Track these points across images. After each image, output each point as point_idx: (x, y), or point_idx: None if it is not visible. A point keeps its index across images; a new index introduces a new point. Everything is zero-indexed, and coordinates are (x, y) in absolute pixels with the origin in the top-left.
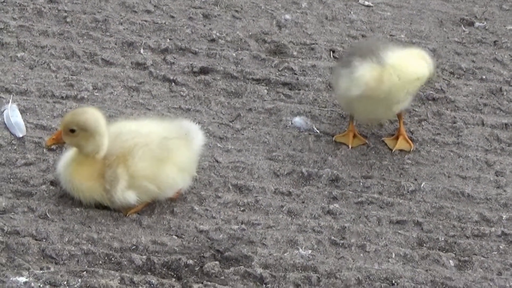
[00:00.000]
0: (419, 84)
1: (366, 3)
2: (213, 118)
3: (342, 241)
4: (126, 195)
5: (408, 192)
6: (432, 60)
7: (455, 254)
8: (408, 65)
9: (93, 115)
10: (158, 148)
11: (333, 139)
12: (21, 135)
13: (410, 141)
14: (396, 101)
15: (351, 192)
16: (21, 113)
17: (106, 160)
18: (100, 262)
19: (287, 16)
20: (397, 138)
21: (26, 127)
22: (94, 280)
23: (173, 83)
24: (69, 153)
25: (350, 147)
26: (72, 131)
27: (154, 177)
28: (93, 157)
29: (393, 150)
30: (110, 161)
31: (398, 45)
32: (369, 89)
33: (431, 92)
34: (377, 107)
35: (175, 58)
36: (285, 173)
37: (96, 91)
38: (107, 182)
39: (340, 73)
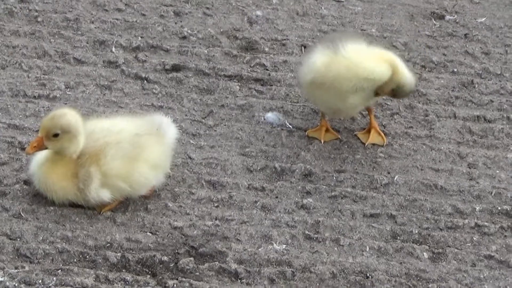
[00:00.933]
0: (373, 84)
1: None
2: (186, 115)
3: (316, 235)
4: (100, 193)
5: (381, 185)
6: (404, 71)
7: (429, 246)
8: (362, 61)
9: (73, 116)
10: (129, 145)
11: (306, 134)
12: None
13: (382, 135)
14: (346, 92)
15: (324, 187)
16: None
17: (79, 159)
18: (75, 260)
19: (258, 12)
20: (369, 132)
21: None
22: (69, 278)
23: (145, 81)
24: (42, 153)
25: (322, 141)
26: (56, 135)
27: (127, 176)
28: (68, 156)
29: (366, 144)
30: (82, 161)
31: (371, 44)
32: (318, 75)
33: None
34: (331, 96)
35: (146, 56)
36: (259, 168)
37: (68, 90)
38: (81, 181)
39: (303, 61)
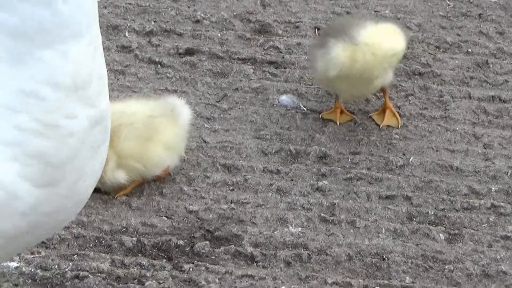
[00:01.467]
0: (396, 59)
1: None
2: (200, 99)
3: (332, 218)
4: (116, 175)
5: (396, 167)
6: (404, 33)
7: (445, 227)
8: (382, 41)
9: None
10: (143, 126)
11: (320, 116)
12: None
13: (397, 116)
14: (375, 77)
15: (339, 169)
16: None
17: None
18: (91, 245)
19: None
20: (383, 113)
21: None
22: (85, 263)
23: (159, 65)
24: None
25: (338, 123)
26: None
27: (141, 156)
28: None
29: (381, 126)
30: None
31: (370, 22)
32: (345, 69)
33: (417, 66)
34: (356, 85)
35: (160, 40)
36: (273, 151)
37: None
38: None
39: (316, 55)
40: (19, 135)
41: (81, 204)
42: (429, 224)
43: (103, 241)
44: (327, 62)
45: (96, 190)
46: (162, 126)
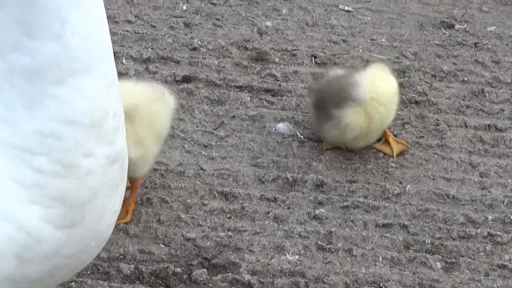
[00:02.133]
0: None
1: (346, 8)
2: (197, 126)
3: (329, 246)
4: (131, 152)
5: (393, 195)
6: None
7: (441, 256)
8: (384, 89)
9: None
10: (148, 108)
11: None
12: None
13: (400, 141)
14: (389, 121)
15: (336, 197)
16: None
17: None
18: (88, 272)
19: (268, 23)
20: (387, 143)
21: None
22: None
23: None
24: None
25: (394, 155)
26: None
27: (140, 140)
28: None
29: (395, 156)
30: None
31: (355, 73)
32: (362, 129)
33: (413, 95)
34: (374, 135)
35: (157, 67)
36: (270, 179)
37: None
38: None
39: (324, 128)
40: (39, 177)
41: (103, 243)
42: (426, 252)
43: (100, 268)
44: (343, 129)
45: None
46: (160, 111)
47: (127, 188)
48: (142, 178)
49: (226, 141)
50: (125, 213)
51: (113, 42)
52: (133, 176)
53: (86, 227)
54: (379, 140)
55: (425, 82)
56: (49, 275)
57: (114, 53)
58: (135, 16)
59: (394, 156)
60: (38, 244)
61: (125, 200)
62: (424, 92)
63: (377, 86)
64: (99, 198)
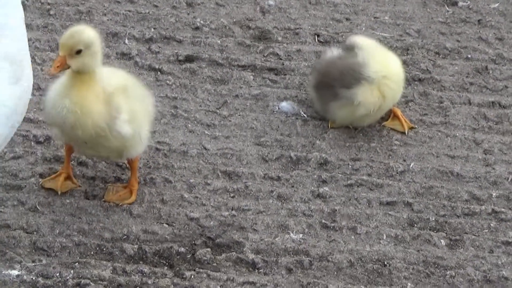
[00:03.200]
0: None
1: None
2: (200, 106)
3: (333, 224)
4: (125, 128)
5: (397, 173)
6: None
7: (446, 233)
8: (391, 66)
9: (91, 30)
10: (140, 88)
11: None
12: None
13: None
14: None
15: (340, 175)
16: None
17: (106, 89)
18: (92, 253)
19: (271, 2)
20: (398, 119)
21: None
22: (87, 271)
23: (159, 72)
24: (58, 86)
25: (406, 131)
26: (79, 52)
27: (134, 117)
28: (93, 80)
29: (406, 131)
30: (110, 91)
31: (359, 53)
32: (376, 107)
33: (417, 72)
34: (383, 111)
35: (160, 47)
36: (274, 158)
37: None
38: (113, 109)
39: (331, 108)
40: None
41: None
42: (430, 230)
43: (104, 249)
44: (355, 108)
45: (96, 198)
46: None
47: (127, 169)
48: (138, 158)
49: (230, 121)
50: (129, 194)
51: (115, 22)
52: (130, 157)
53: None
54: (385, 118)
55: (429, 59)
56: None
57: (116, 33)
58: None
59: (406, 132)
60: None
61: (128, 181)
62: (427, 69)
63: (388, 64)
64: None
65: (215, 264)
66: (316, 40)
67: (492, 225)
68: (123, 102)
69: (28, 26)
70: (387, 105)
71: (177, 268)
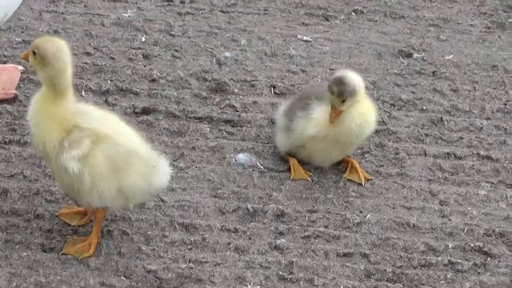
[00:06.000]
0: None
1: (305, 38)
2: None
3: (290, 276)
4: (72, 164)
5: (354, 224)
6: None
7: (403, 284)
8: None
9: (55, 45)
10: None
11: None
12: None
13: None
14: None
15: (297, 227)
16: None
17: (76, 121)
18: None
19: (227, 54)
20: (355, 170)
21: None
22: None
23: None
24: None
25: (363, 182)
26: (33, 53)
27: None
28: (63, 103)
29: (364, 183)
30: (80, 127)
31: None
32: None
33: None
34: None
35: (116, 99)
36: (231, 210)
37: None
38: (69, 140)
39: (295, 121)
40: None
41: None
42: (387, 281)
43: None
44: (308, 123)
45: (54, 251)
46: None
47: (90, 221)
48: (103, 213)
49: (186, 172)
50: (88, 247)
51: (72, 74)
52: (90, 205)
53: None
54: (342, 170)
55: (384, 111)
56: None
57: (74, 86)
58: (94, 48)
59: (363, 183)
60: None
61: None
62: (383, 121)
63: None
64: None
65: None
66: (272, 92)
67: (448, 276)
68: (86, 142)
69: None
70: (346, 141)
71: None
